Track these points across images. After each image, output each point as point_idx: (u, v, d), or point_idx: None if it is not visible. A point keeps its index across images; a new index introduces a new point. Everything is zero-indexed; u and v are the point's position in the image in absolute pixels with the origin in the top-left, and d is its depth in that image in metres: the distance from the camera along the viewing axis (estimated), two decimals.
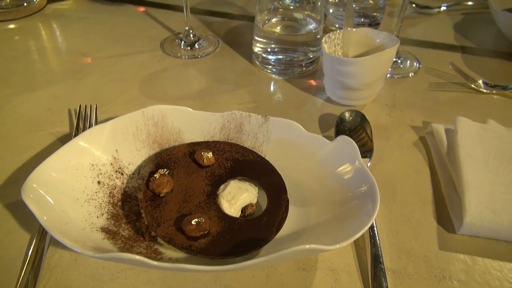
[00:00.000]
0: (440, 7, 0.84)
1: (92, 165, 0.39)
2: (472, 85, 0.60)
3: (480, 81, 0.60)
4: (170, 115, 0.44)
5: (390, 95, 0.59)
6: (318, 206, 0.39)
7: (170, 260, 0.35)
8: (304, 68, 0.63)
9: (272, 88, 0.61)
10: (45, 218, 0.32)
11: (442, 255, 0.38)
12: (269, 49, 0.62)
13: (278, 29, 0.63)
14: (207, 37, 0.72)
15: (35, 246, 0.36)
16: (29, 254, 0.36)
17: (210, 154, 0.41)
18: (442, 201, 0.43)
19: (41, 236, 0.37)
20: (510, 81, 0.60)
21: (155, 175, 0.38)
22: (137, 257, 0.29)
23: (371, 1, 0.76)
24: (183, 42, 0.70)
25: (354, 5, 0.73)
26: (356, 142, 0.40)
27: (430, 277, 0.36)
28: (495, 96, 0.59)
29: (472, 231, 0.39)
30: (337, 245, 0.30)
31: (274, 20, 0.63)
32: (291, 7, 0.63)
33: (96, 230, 0.35)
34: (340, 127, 0.49)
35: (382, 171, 0.46)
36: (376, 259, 0.36)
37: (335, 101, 0.57)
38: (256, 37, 0.63)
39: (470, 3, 0.85)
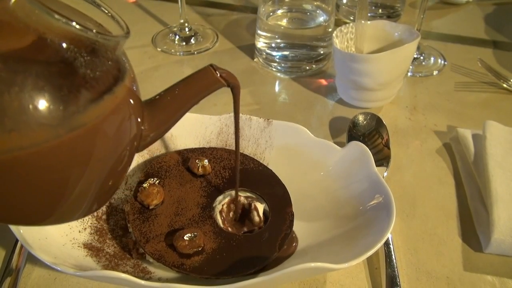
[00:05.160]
0: None
1: None
2: (504, 85, 0.61)
3: None
4: None
5: (410, 96, 0.60)
6: (326, 220, 0.39)
7: (160, 280, 0.36)
8: (313, 66, 0.64)
9: (277, 88, 0.62)
10: (21, 232, 0.33)
11: (467, 277, 0.38)
12: (273, 45, 0.64)
13: (284, 22, 0.64)
14: (204, 31, 0.74)
15: (10, 264, 0.37)
16: (4, 273, 0.37)
17: (205, 162, 0.42)
18: (468, 216, 0.43)
19: (17, 252, 0.38)
20: None
21: (143, 185, 0.39)
22: (123, 275, 0.30)
23: None
24: (177, 36, 0.71)
25: None
26: (370, 149, 0.41)
27: None
28: None
29: (501, 250, 0.39)
30: (347, 264, 0.31)
31: (279, 11, 0.65)
32: None
33: (78, 246, 0.36)
34: (353, 132, 0.50)
35: (400, 182, 0.47)
36: (392, 281, 0.37)
37: (348, 103, 0.58)
38: (259, 31, 0.64)
39: None
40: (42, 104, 0.21)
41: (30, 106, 0.21)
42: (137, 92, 0.28)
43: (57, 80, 0.22)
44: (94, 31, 0.22)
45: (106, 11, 0.26)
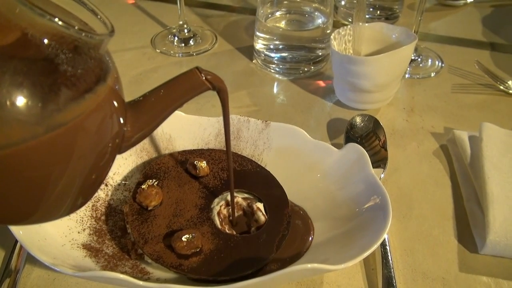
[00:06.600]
0: None
1: None
2: (501, 87, 0.61)
3: (510, 82, 0.61)
4: None
5: (408, 98, 0.60)
6: (323, 221, 0.40)
7: (158, 280, 0.36)
8: (311, 68, 0.65)
9: (275, 89, 0.62)
10: (21, 232, 0.33)
11: (462, 278, 0.39)
12: (272, 46, 0.64)
13: (282, 23, 0.65)
14: (203, 33, 0.74)
15: (9, 264, 0.38)
16: (3, 273, 0.37)
17: (204, 164, 0.42)
18: (464, 217, 0.44)
19: (17, 253, 0.39)
20: None
21: (142, 186, 0.39)
22: (121, 276, 0.30)
23: None
24: (176, 38, 0.72)
25: None
26: (367, 151, 0.41)
27: None
28: None
29: (496, 251, 0.40)
30: (343, 265, 0.31)
31: (278, 13, 0.65)
32: None
33: (77, 247, 0.36)
34: (351, 134, 0.51)
35: (397, 183, 0.47)
36: (388, 282, 0.37)
37: (345, 105, 0.58)
38: (258, 33, 0.64)
39: None
40: (20, 101, 0.20)
41: (8, 103, 0.20)
42: (120, 93, 0.27)
43: (36, 77, 0.21)
44: (76, 28, 0.21)
45: (92, 10, 0.26)
